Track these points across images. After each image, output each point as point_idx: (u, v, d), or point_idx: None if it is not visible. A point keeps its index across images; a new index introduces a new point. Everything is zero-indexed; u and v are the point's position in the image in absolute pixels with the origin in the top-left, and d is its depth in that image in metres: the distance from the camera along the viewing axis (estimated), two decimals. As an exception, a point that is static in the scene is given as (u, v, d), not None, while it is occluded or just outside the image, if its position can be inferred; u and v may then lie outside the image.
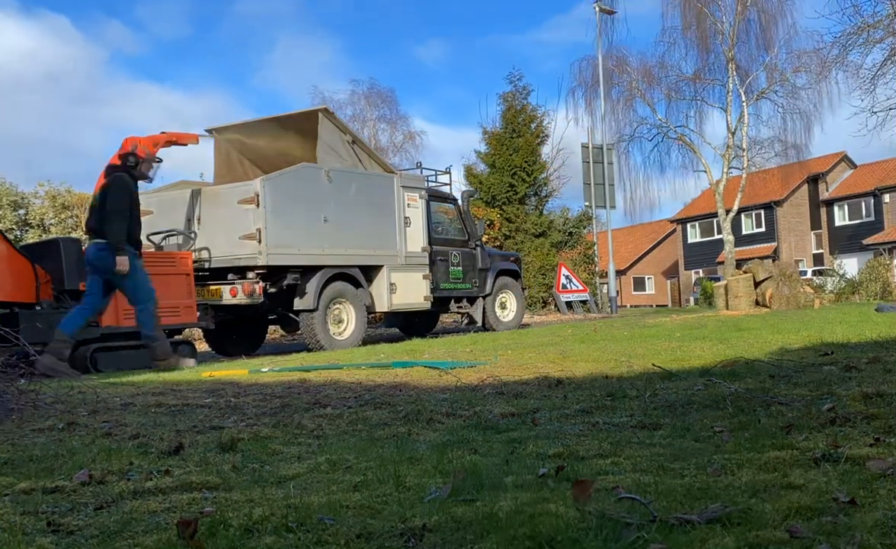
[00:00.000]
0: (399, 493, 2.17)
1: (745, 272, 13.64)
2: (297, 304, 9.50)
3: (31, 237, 14.18)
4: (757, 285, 13.19)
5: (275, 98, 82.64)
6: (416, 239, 10.85)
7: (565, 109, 25.59)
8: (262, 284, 9.18)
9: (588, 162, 22.65)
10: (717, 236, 38.13)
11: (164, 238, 9.43)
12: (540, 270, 22.55)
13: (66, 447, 3.12)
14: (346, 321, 9.98)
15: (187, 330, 10.08)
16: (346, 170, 10.18)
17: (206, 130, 10.87)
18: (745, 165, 23.08)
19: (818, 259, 42.35)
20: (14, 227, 14.56)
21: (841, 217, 42.89)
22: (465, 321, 12.47)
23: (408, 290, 10.68)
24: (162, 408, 4.34)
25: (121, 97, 75.64)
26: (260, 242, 8.90)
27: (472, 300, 12.14)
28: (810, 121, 22.87)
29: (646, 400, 3.69)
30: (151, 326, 7.37)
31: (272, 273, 9.29)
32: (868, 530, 1.61)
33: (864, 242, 39.18)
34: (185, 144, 9.56)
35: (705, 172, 23.96)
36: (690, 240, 47.85)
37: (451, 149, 72.31)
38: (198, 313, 8.95)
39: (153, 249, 9.42)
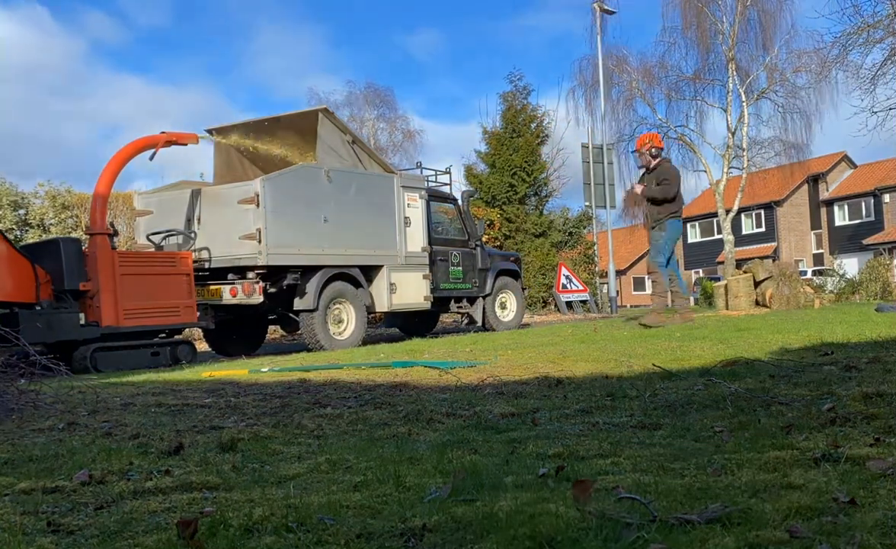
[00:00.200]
0: (399, 493, 2.17)
1: (745, 272, 13.63)
2: (297, 304, 9.50)
3: (31, 237, 14.17)
4: (757, 284, 13.18)
5: (261, 91, 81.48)
6: (416, 239, 10.85)
7: (565, 109, 25.60)
8: (262, 284, 9.18)
9: (588, 162, 22.66)
10: (717, 236, 38.14)
11: (164, 238, 9.43)
12: (540, 270, 22.55)
13: (66, 447, 3.12)
14: (346, 321, 9.98)
15: (187, 330, 10.08)
16: (346, 170, 10.18)
17: (207, 130, 10.87)
18: (745, 165, 23.08)
19: (818, 259, 42.35)
20: (14, 227, 14.54)
21: (841, 217, 42.90)
22: (465, 321, 12.47)
23: (408, 290, 10.68)
24: (162, 408, 4.34)
25: (102, 90, 73.96)
26: (260, 242, 8.90)
27: (472, 300, 12.14)
28: (810, 121, 22.89)
29: (646, 400, 3.69)
30: None
31: (272, 273, 9.29)
32: (868, 530, 1.61)
33: (864, 242, 39.19)
34: (185, 144, 9.58)
35: (705, 171, 23.97)
36: (690, 240, 47.86)
37: (445, 145, 71.16)
38: (198, 313, 8.95)
39: (153, 249, 9.43)
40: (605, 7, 23.70)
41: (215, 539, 1.78)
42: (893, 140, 45.56)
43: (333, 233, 9.76)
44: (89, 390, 5.35)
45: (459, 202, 12.22)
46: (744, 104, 22.70)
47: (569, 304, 20.65)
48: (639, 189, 9.19)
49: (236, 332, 10.51)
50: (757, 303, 13.02)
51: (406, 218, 10.72)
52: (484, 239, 13.21)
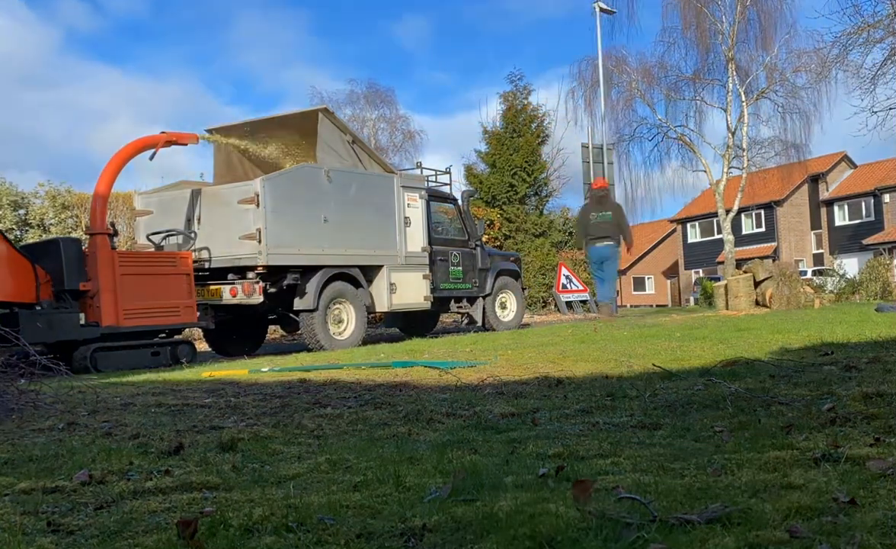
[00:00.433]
0: (399, 493, 2.17)
1: (745, 272, 13.63)
2: (297, 304, 9.50)
3: (31, 237, 14.17)
4: (757, 284, 13.18)
5: (245, 83, 79.47)
6: (416, 239, 10.85)
7: (565, 109, 25.62)
8: (262, 284, 9.18)
9: (588, 162, 22.65)
10: (717, 236, 38.14)
11: (164, 238, 9.43)
12: (540, 270, 22.56)
13: (66, 447, 3.12)
14: (346, 321, 9.98)
15: (187, 330, 10.08)
16: (346, 170, 10.18)
17: (207, 130, 10.87)
18: (745, 165, 23.07)
19: (818, 259, 42.35)
20: (14, 227, 14.54)
21: (841, 217, 42.89)
22: (465, 321, 12.47)
23: (408, 290, 10.67)
24: (162, 408, 4.34)
25: (76, 81, 71.84)
26: (260, 242, 8.90)
27: (472, 300, 12.14)
28: (810, 121, 22.87)
29: (646, 400, 3.69)
30: None
31: (272, 273, 9.29)
32: (868, 530, 1.61)
33: (864, 242, 39.19)
34: (185, 144, 9.58)
35: (705, 172, 23.96)
36: (690, 240, 47.85)
37: (438, 140, 68.66)
38: (198, 313, 8.95)
39: (153, 249, 9.43)
40: (605, 7, 23.70)
41: (215, 539, 1.78)
42: (893, 140, 45.57)
43: (333, 233, 9.76)
44: (89, 390, 5.35)
45: (459, 202, 12.22)
46: (743, 104, 22.69)
47: (569, 304, 20.64)
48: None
49: (236, 332, 10.51)
50: (757, 303, 13.02)
51: (406, 218, 10.72)
52: (484, 239, 13.20)
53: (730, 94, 22.86)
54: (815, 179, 41.97)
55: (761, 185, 25.60)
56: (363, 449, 2.87)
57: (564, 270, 21.03)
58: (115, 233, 8.92)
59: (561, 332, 9.72)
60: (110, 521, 2.01)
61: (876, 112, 17.36)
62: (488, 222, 19.49)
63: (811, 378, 4.01)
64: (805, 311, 11.69)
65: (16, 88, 66.13)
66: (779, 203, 42.03)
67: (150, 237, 9.58)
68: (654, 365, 4.92)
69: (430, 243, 11.09)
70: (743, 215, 37.06)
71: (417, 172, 12.48)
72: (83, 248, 8.49)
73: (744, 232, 41.84)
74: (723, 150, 23.36)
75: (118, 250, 9.03)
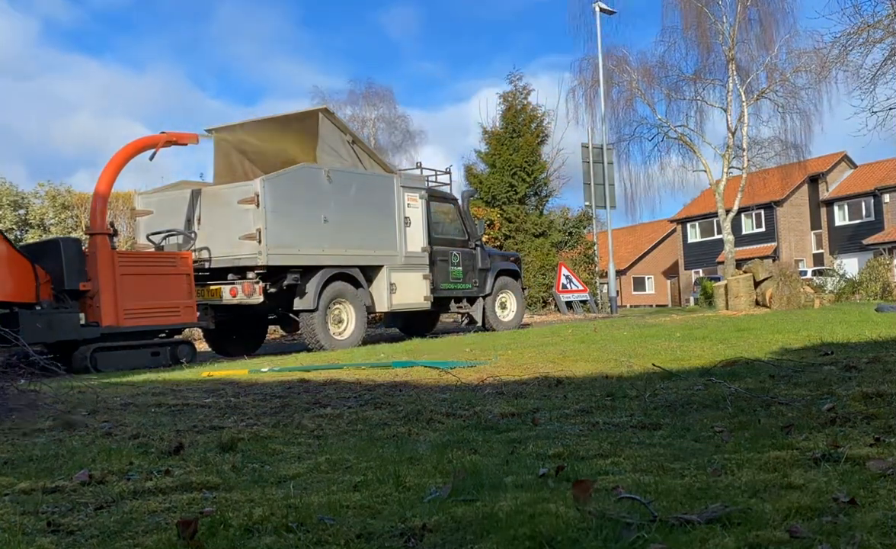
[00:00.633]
0: (399, 493, 2.16)
1: (745, 272, 13.64)
2: (297, 304, 9.50)
3: (31, 237, 14.17)
4: (757, 284, 13.19)
5: (230, 75, 76.81)
6: (416, 239, 10.85)
7: (566, 108, 25.55)
8: (262, 284, 9.18)
9: (588, 162, 22.64)
10: (717, 236, 38.13)
11: (164, 238, 9.43)
12: (540, 270, 22.55)
13: (66, 447, 3.12)
14: (346, 321, 9.98)
15: (187, 330, 10.09)
16: (346, 170, 10.18)
17: (207, 130, 10.88)
18: (745, 165, 23.06)
19: (818, 259, 42.34)
20: (14, 227, 14.55)
21: (841, 217, 42.88)
22: (465, 321, 12.47)
23: (408, 290, 10.67)
24: (162, 408, 4.34)
25: (52, 71, 68.93)
26: (260, 242, 8.90)
27: (472, 300, 12.14)
28: (810, 121, 22.86)
29: (646, 400, 3.69)
30: None
31: (272, 273, 9.29)
32: (868, 530, 1.61)
33: (864, 242, 39.18)
34: (185, 144, 9.58)
35: (705, 172, 23.96)
36: (690, 240, 47.84)
37: (427, 133, 67.29)
38: (198, 313, 8.95)
39: (153, 249, 9.43)
40: (605, 7, 23.69)
41: (215, 539, 1.77)
42: (894, 140, 45.58)
43: (333, 233, 9.76)
44: (89, 390, 5.35)
45: (459, 202, 12.22)
46: (744, 104, 22.69)
47: (569, 304, 20.65)
48: None
49: (236, 332, 10.51)
50: (757, 303, 13.02)
51: (406, 218, 10.72)
52: (484, 239, 13.21)
53: (730, 94, 22.86)
54: (815, 179, 41.97)
55: (761, 185, 25.58)
56: (363, 449, 2.87)
57: (564, 270, 21.03)
58: (115, 233, 8.92)
59: (561, 332, 9.72)
60: (110, 521, 2.01)
61: (876, 112, 17.34)
62: (488, 222, 19.50)
63: (811, 378, 4.01)
64: (805, 311, 11.69)
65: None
66: (779, 203, 42.02)
67: (150, 237, 9.58)
68: (654, 365, 4.92)
69: (430, 243, 11.09)
70: (743, 215, 37.06)
71: (417, 172, 12.48)
72: (83, 248, 8.49)
73: (744, 232, 41.84)
74: (723, 150, 23.36)
75: (118, 250, 9.03)
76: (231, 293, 9.19)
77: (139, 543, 1.80)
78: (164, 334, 8.83)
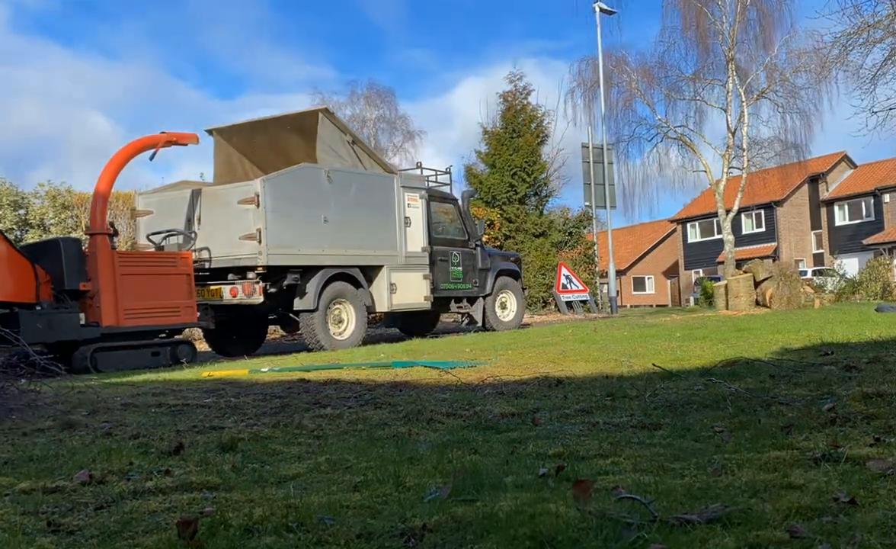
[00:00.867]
0: (399, 493, 2.16)
1: (745, 272, 13.64)
2: (297, 304, 9.50)
3: (31, 237, 14.17)
4: (757, 284, 13.19)
5: (210, 65, 74.48)
6: (416, 239, 10.85)
7: (564, 108, 25.50)
8: (262, 284, 9.18)
9: (588, 162, 22.65)
10: (717, 236, 38.14)
11: (165, 238, 9.43)
12: (540, 270, 22.55)
13: (66, 447, 3.12)
14: (346, 321, 9.98)
15: (187, 330, 10.08)
16: (346, 170, 10.19)
17: (207, 131, 10.88)
18: (745, 165, 23.06)
19: (818, 259, 42.35)
20: (14, 227, 14.55)
21: (841, 217, 42.89)
22: (465, 321, 12.47)
23: (408, 290, 10.67)
24: (162, 408, 4.34)
25: (19, 58, 65.40)
26: (260, 242, 8.90)
27: (472, 300, 12.14)
28: (810, 121, 22.86)
29: (646, 400, 3.69)
30: None
31: (272, 273, 9.29)
32: (868, 530, 1.61)
33: (865, 242, 39.18)
34: (185, 144, 9.58)
35: (705, 171, 23.96)
36: (690, 240, 47.84)
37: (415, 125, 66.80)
38: (198, 313, 8.95)
39: (153, 249, 9.43)
40: (605, 7, 23.68)
41: (215, 539, 1.77)
42: (894, 140, 45.55)
43: (333, 233, 9.76)
44: (89, 390, 5.35)
45: (459, 202, 12.22)
46: (743, 104, 22.68)
47: (569, 304, 20.65)
48: None
49: (236, 332, 10.51)
50: (757, 303, 13.02)
51: (406, 218, 10.72)
52: (484, 239, 13.21)
53: (730, 94, 22.85)
54: (815, 179, 41.96)
55: (761, 185, 25.59)
56: (363, 449, 2.87)
57: (564, 271, 21.03)
58: (116, 233, 8.92)
59: (561, 332, 9.72)
60: (110, 521, 2.01)
61: (876, 112, 17.33)
62: (488, 222, 19.50)
63: (811, 378, 4.01)
64: (805, 311, 11.69)
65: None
66: (779, 203, 42.03)
67: (151, 237, 9.58)
68: (654, 365, 4.92)
69: (430, 243, 11.09)
70: (743, 215, 37.06)
71: (417, 172, 12.48)
72: (83, 248, 8.49)
73: (744, 232, 41.84)
74: (723, 150, 23.35)
75: (118, 250, 9.02)
76: (231, 293, 9.19)
77: (139, 543, 1.80)
78: (164, 334, 8.83)
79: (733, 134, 22.99)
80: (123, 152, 8.89)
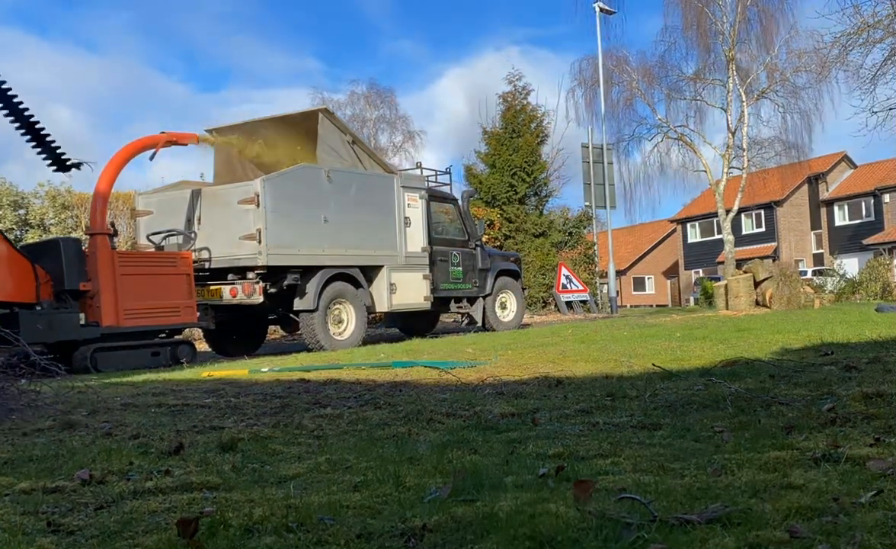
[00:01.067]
0: (399, 493, 2.16)
1: (745, 272, 13.64)
2: (297, 304, 9.50)
3: (31, 237, 14.17)
4: (757, 285, 13.19)
5: (194, 58, 72.76)
6: (416, 239, 10.85)
7: (566, 108, 25.45)
8: (262, 284, 9.18)
9: (588, 162, 22.65)
10: (717, 236, 38.13)
11: (164, 238, 9.43)
12: (540, 270, 22.55)
13: (66, 447, 3.12)
14: (346, 321, 9.98)
15: (187, 330, 10.08)
16: (346, 170, 10.19)
17: (207, 131, 10.88)
18: (745, 165, 23.06)
19: (818, 259, 42.34)
20: (14, 227, 14.55)
21: (841, 217, 42.88)
22: (465, 321, 12.47)
23: (408, 290, 10.68)
24: (162, 408, 4.34)
25: None
26: (260, 242, 8.90)
27: (472, 300, 12.15)
28: (810, 121, 22.86)
29: (646, 400, 3.68)
30: None
31: (272, 273, 9.29)
32: (868, 530, 1.61)
33: (864, 242, 39.17)
34: (185, 144, 9.59)
35: (705, 171, 23.96)
36: (690, 240, 47.85)
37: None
38: (198, 313, 8.95)
39: (153, 249, 9.43)
40: (606, 7, 23.68)
41: (215, 539, 1.77)
42: (894, 140, 45.53)
43: (333, 233, 9.76)
44: (89, 390, 5.35)
45: (459, 202, 12.22)
46: (744, 104, 22.69)
47: (569, 304, 20.65)
48: None
49: (236, 332, 10.51)
50: (757, 303, 13.02)
51: (406, 218, 10.72)
52: (484, 239, 13.21)
53: (730, 94, 22.86)
54: (815, 180, 41.95)
55: (761, 185, 25.59)
56: (363, 449, 2.87)
57: (564, 271, 21.04)
58: (116, 233, 8.92)
59: (561, 332, 9.72)
60: (110, 521, 2.01)
61: (876, 112, 17.33)
62: (488, 222, 19.50)
63: (811, 378, 4.01)
64: (805, 311, 11.69)
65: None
66: (779, 203, 42.02)
67: (151, 237, 9.58)
68: (654, 365, 4.92)
69: (430, 243, 11.09)
70: (743, 215, 37.07)
71: (417, 172, 12.48)
72: (83, 248, 8.49)
73: (744, 232, 41.83)
74: (723, 150, 23.36)
75: (118, 250, 9.02)
76: (231, 293, 9.19)
77: (139, 543, 1.80)
78: (164, 335, 8.83)
79: (733, 134, 22.99)
80: (124, 152, 8.89)
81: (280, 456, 2.85)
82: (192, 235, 9.36)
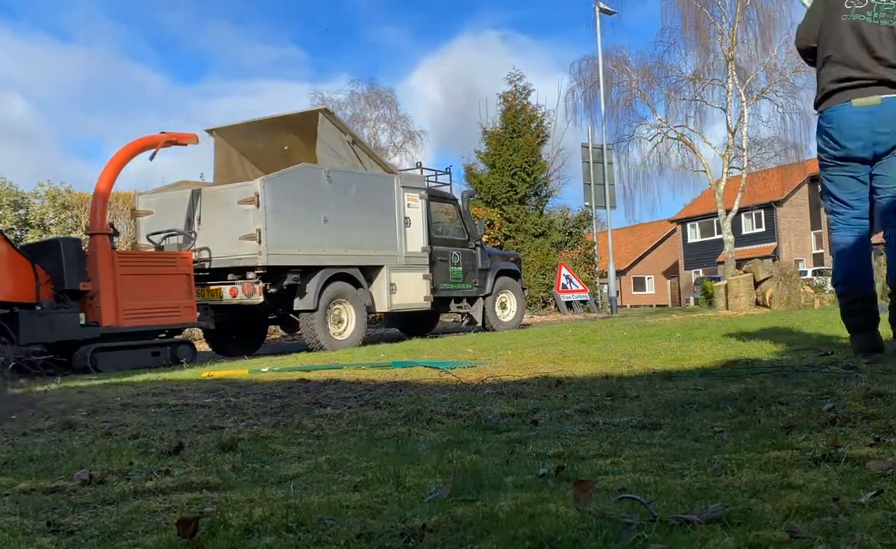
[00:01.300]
0: (399, 493, 2.16)
1: (745, 272, 13.64)
2: (297, 304, 9.50)
3: (31, 237, 14.17)
4: (757, 284, 13.19)
5: (173, 48, 71.39)
6: (416, 239, 10.85)
7: (565, 108, 25.57)
8: (262, 284, 9.19)
9: (588, 162, 22.67)
10: (717, 236, 38.15)
11: (164, 238, 9.44)
12: (540, 270, 22.56)
13: (66, 447, 3.12)
14: (346, 321, 9.99)
15: (187, 330, 10.09)
16: (346, 170, 10.19)
17: (207, 130, 10.89)
18: (745, 165, 23.09)
19: (818, 259, 42.37)
20: (14, 227, 14.55)
21: (841, 217, 42.86)
22: (465, 321, 12.48)
23: (408, 290, 10.68)
24: (162, 408, 4.34)
25: None
26: (260, 242, 8.91)
27: (472, 300, 12.15)
28: (810, 121, 22.89)
29: (646, 400, 3.68)
30: None
31: (272, 273, 9.30)
32: (868, 530, 1.61)
33: (864, 242, 39.17)
34: (185, 144, 9.59)
35: (705, 171, 23.97)
36: (690, 240, 47.87)
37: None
38: (198, 313, 8.96)
39: (153, 249, 9.44)
40: (605, 7, 23.69)
41: (215, 539, 1.77)
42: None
43: (333, 233, 9.77)
44: (89, 390, 5.35)
45: (459, 202, 12.23)
46: (743, 104, 22.71)
47: (569, 304, 20.66)
48: None
49: (236, 332, 10.52)
50: (757, 303, 13.03)
51: (406, 218, 10.72)
52: (484, 239, 13.22)
53: (730, 94, 22.87)
54: (815, 179, 41.96)
55: (761, 185, 25.64)
56: (363, 449, 2.87)
57: (564, 270, 21.05)
58: (116, 233, 8.92)
59: (561, 332, 9.73)
60: (110, 521, 2.01)
61: (876, 112, 17.33)
62: (488, 222, 19.51)
63: (811, 378, 4.01)
64: (805, 311, 11.70)
65: None
66: (779, 203, 42.04)
67: (151, 237, 9.59)
68: (653, 366, 4.92)
69: (430, 244, 11.10)
70: (743, 215, 37.08)
71: (417, 172, 12.49)
72: (83, 248, 8.50)
73: (744, 232, 41.86)
74: (723, 150, 23.38)
75: (118, 250, 9.03)
76: (231, 293, 9.20)
77: (139, 543, 1.80)
78: (164, 334, 8.84)
79: (733, 134, 23.01)
80: (124, 152, 8.89)
81: (280, 456, 2.85)
82: (192, 235, 9.37)
